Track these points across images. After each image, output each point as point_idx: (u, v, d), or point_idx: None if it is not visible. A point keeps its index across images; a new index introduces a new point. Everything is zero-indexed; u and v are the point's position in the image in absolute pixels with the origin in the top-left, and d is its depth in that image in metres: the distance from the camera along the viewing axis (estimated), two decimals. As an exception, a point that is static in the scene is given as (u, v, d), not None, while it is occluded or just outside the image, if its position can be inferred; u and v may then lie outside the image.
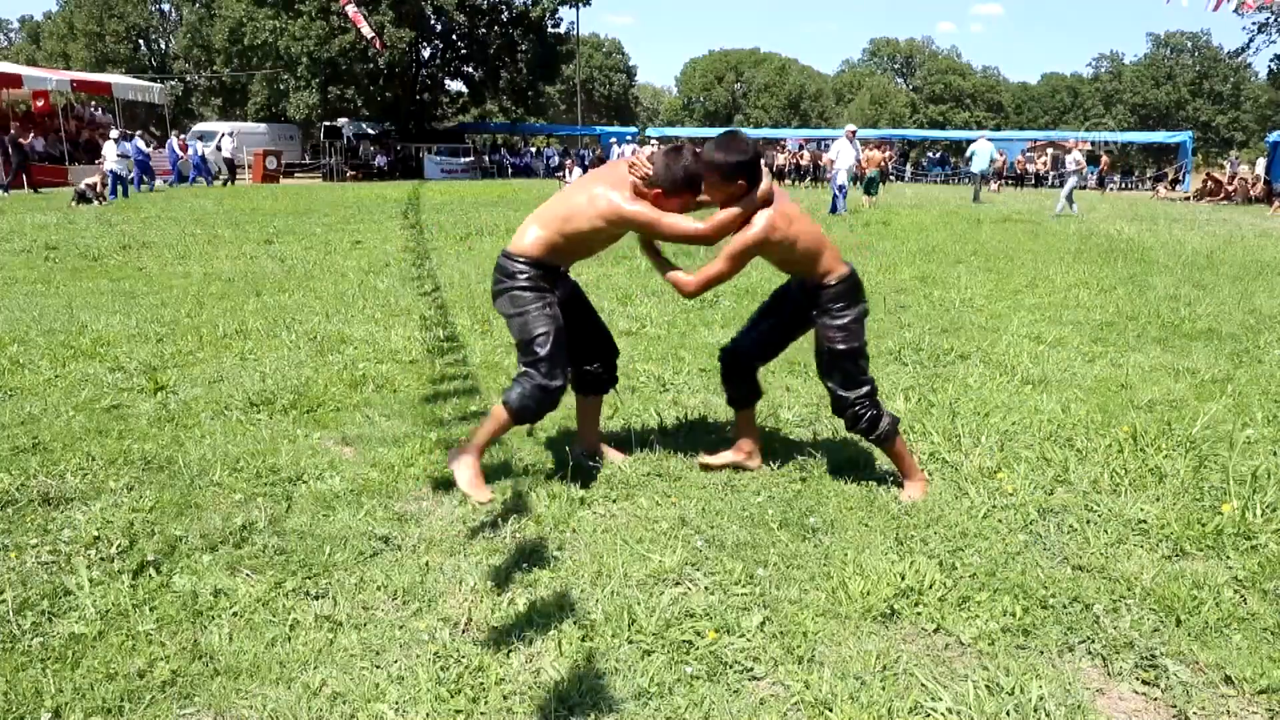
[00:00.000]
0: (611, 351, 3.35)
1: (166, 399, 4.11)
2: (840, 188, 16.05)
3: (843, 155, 16.15)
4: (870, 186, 17.99)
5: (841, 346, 2.95)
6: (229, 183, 25.66)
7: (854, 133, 16.65)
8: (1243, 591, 2.45)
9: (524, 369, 2.92)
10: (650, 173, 2.84)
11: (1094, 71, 70.28)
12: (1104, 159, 33.52)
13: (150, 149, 24.69)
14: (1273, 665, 2.09)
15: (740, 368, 3.23)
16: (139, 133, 25.88)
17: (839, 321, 2.94)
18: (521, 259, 2.93)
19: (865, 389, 3.01)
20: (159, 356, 4.86)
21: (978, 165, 20.52)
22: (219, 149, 26.75)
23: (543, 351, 2.87)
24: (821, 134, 41.41)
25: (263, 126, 34.46)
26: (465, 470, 2.91)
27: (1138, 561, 2.60)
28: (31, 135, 22.20)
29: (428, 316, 6.09)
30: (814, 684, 2.01)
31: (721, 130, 3.09)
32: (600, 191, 2.84)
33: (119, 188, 18.60)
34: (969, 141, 24.69)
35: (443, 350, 5.12)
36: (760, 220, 2.80)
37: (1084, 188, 21.68)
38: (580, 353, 3.24)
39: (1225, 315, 6.48)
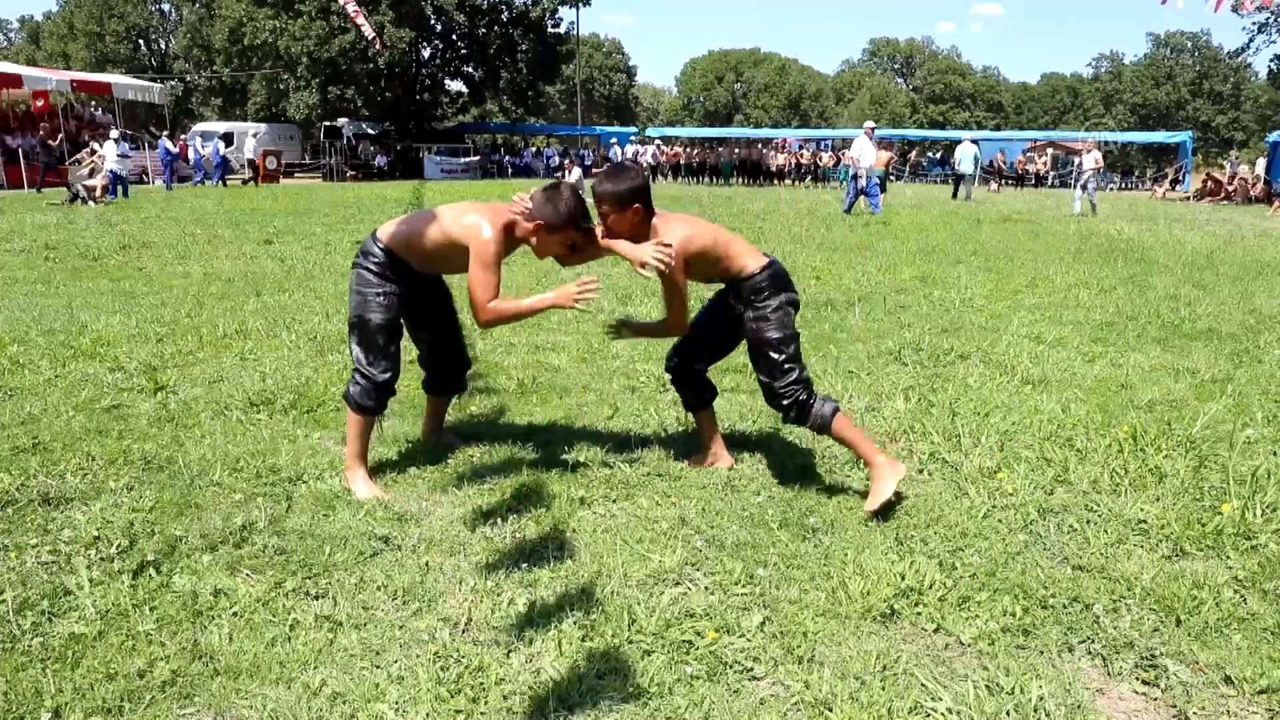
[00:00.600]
0: (463, 363, 3.43)
1: (166, 399, 4.11)
2: (870, 185, 15.58)
3: (866, 153, 15.70)
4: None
5: (765, 335, 2.96)
6: (253, 182, 25.86)
7: (873, 130, 16.30)
8: (1243, 591, 2.45)
9: (354, 364, 3.04)
10: (529, 209, 2.88)
11: (1094, 71, 70.34)
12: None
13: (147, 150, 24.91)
14: (1273, 665, 2.09)
15: (688, 373, 3.28)
16: (165, 133, 26.35)
17: (760, 311, 2.96)
18: (379, 245, 2.99)
19: (792, 377, 2.96)
20: (159, 356, 4.86)
21: (964, 167, 21.68)
22: (241, 148, 27.06)
23: (370, 340, 2.98)
24: (821, 134, 41.43)
25: (262, 126, 34.47)
26: (358, 483, 3.04)
27: (1138, 561, 2.60)
28: (60, 137, 22.43)
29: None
30: (814, 684, 2.01)
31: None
32: (474, 216, 2.87)
33: (118, 187, 18.69)
34: (955, 142, 25.61)
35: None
36: (676, 235, 2.88)
37: (1102, 188, 21.66)
38: (428, 358, 3.37)
39: (1225, 315, 6.48)
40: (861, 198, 15.94)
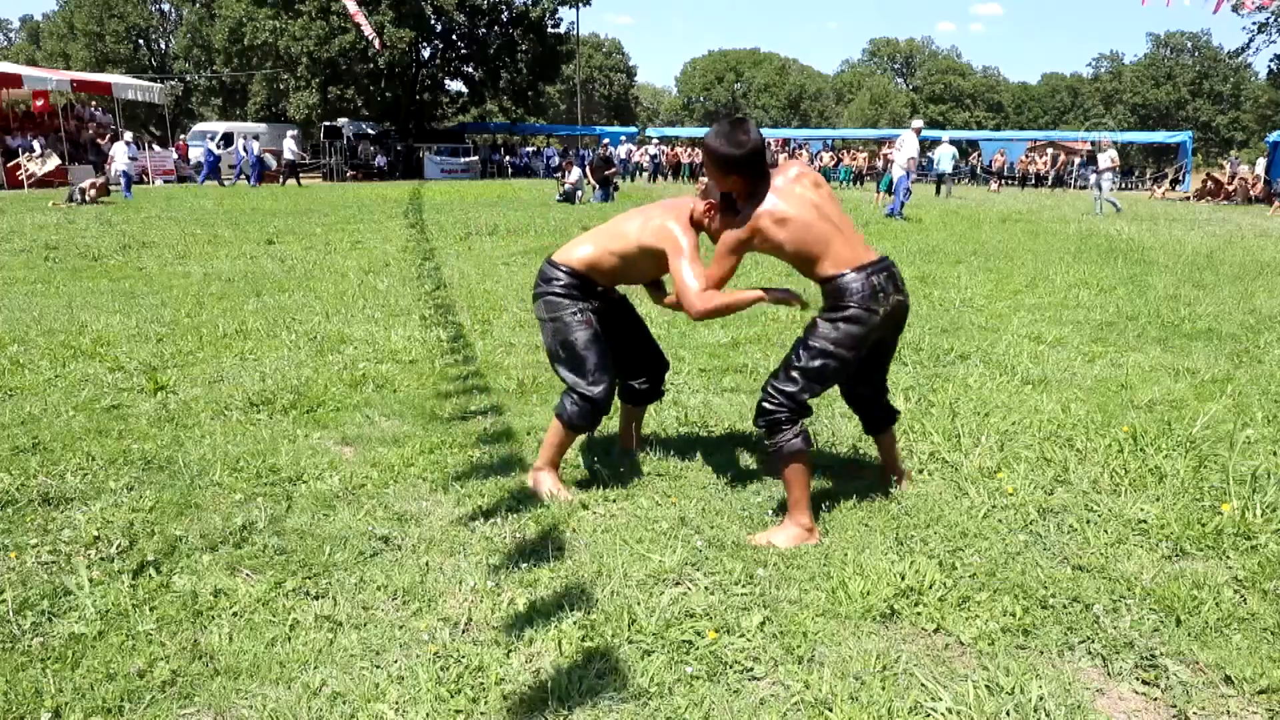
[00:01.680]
0: (661, 365, 3.34)
1: (166, 399, 4.11)
2: (901, 183, 14.98)
3: (906, 148, 14.99)
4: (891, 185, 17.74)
5: (805, 338, 2.71)
6: (294, 181, 26.07)
7: (920, 130, 15.58)
8: (1243, 591, 2.45)
9: (567, 382, 2.98)
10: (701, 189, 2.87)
11: (1094, 71, 70.37)
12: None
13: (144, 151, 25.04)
14: (1273, 665, 2.09)
15: (851, 398, 3.07)
16: (208, 134, 26.78)
17: (820, 318, 2.71)
18: (563, 268, 2.98)
19: (790, 389, 2.67)
20: (159, 356, 4.86)
21: (943, 166, 22.26)
22: (279, 149, 27.42)
23: (582, 360, 2.93)
24: (822, 133, 41.42)
25: (263, 126, 34.47)
26: (546, 485, 3.03)
27: (1138, 561, 2.60)
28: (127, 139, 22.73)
29: (428, 316, 6.09)
30: (814, 684, 2.01)
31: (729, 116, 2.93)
32: (658, 217, 2.88)
33: (128, 186, 18.78)
34: (935, 142, 26.38)
35: (443, 350, 5.12)
36: (746, 220, 2.68)
37: (1119, 187, 21.91)
38: (628, 366, 3.25)
39: (1225, 315, 6.48)
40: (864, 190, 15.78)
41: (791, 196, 2.68)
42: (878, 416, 3.06)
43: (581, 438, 3.63)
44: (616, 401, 3.30)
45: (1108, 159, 18.05)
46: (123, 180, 18.78)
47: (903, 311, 2.79)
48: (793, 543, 2.66)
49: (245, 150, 25.22)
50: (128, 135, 20.79)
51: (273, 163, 26.80)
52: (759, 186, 2.69)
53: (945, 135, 26.71)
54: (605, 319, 3.05)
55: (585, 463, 3.35)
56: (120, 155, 19.26)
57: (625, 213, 3.06)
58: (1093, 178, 18.78)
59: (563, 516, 2.87)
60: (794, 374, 2.68)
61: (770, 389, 2.71)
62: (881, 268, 2.70)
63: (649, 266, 2.97)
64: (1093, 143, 29.05)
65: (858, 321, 2.64)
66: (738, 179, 2.68)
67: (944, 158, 22.22)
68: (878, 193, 17.64)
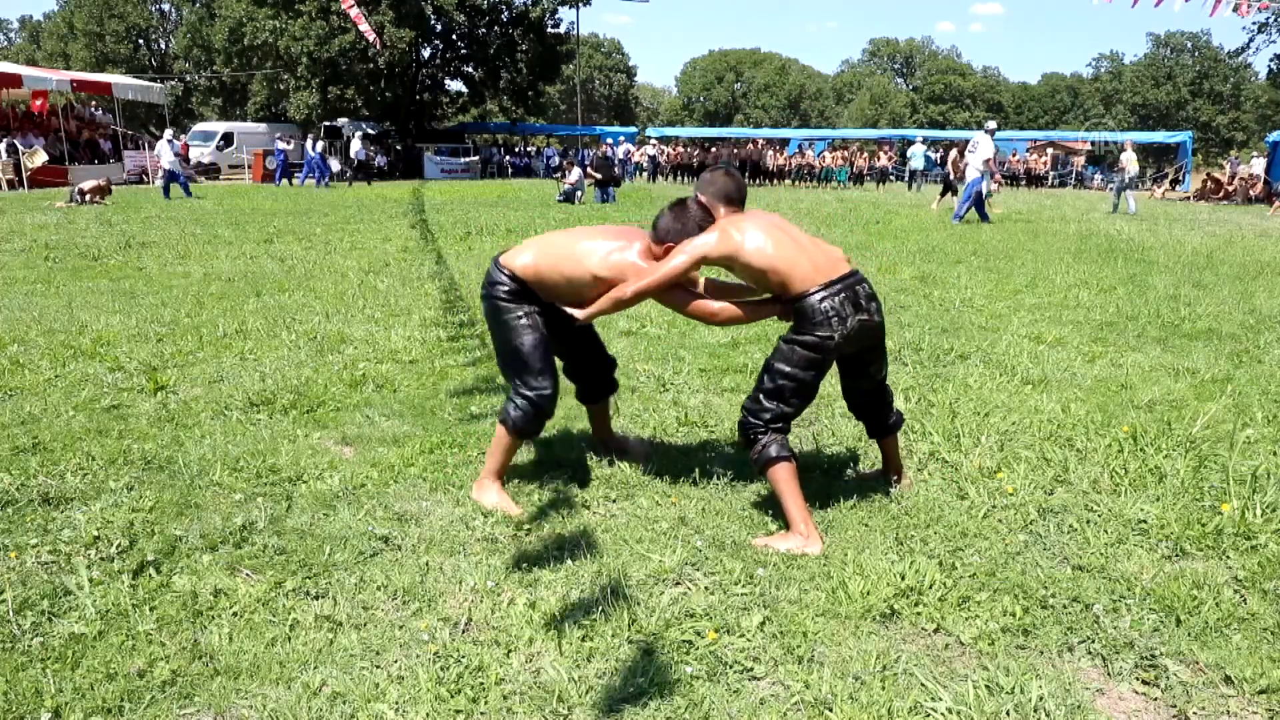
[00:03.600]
0: (608, 363, 3.37)
1: (166, 399, 4.11)
2: (971, 187, 14.33)
3: (981, 150, 14.35)
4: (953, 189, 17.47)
5: (769, 358, 2.81)
6: (367, 180, 26.19)
7: (994, 131, 15.02)
8: (1243, 591, 2.45)
9: (513, 384, 2.97)
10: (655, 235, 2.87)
11: (1094, 71, 70.35)
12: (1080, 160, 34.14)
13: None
14: (1273, 665, 2.09)
15: (853, 406, 3.13)
16: (313, 135, 27.32)
17: (783, 339, 2.80)
18: (506, 272, 2.95)
19: (757, 410, 2.76)
20: (159, 356, 4.86)
21: (916, 164, 24.99)
22: (346, 149, 27.61)
23: (525, 363, 2.92)
24: (822, 133, 41.41)
25: (262, 126, 34.44)
26: (490, 496, 2.97)
27: (1138, 561, 2.60)
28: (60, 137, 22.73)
29: (428, 316, 6.09)
30: (814, 684, 2.01)
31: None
32: (618, 252, 2.83)
33: (170, 186, 18.04)
34: (909, 140, 29.76)
35: (443, 350, 5.12)
36: (712, 231, 2.78)
37: (1134, 187, 22.29)
38: (577, 367, 3.30)
39: (1225, 315, 6.48)
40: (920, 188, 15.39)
41: (755, 218, 2.83)
42: (879, 421, 3.08)
43: (585, 435, 3.64)
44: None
45: (1126, 159, 18.17)
46: (164, 179, 17.89)
47: (869, 330, 2.79)
48: (797, 550, 2.65)
49: (313, 150, 25.50)
50: (169, 132, 19.58)
51: (333, 165, 26.75)
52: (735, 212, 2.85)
53: (919, 135, 29.47)
54: (551, 321, 3.02)
55: (585, 463, 3.34)
56: (165, 153, 18.37)
57: (575, 232, 3.01)
58: (1116, 179, 18.87)
59: (562, 516, 2.87)
60: (760, 395, 2.79)
61: (744, 407, 2.83)
62: (844, 287, 2.73)
63: (596, 296, 2.89)
64: (1113, 145, 29.52)
65: (813, 348, 2.72)
66: (734, 207, 2.86)
67: (916, 155, 25.16)
68: (985, 199, 17.36)
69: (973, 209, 14.46)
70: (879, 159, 32.13)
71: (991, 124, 15.52)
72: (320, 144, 25.92)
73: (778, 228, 2.80)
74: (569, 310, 2.95)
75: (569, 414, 3.95)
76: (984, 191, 14.42)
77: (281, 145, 24.95)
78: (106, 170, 21.80)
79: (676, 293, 2.86)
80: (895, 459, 3.16)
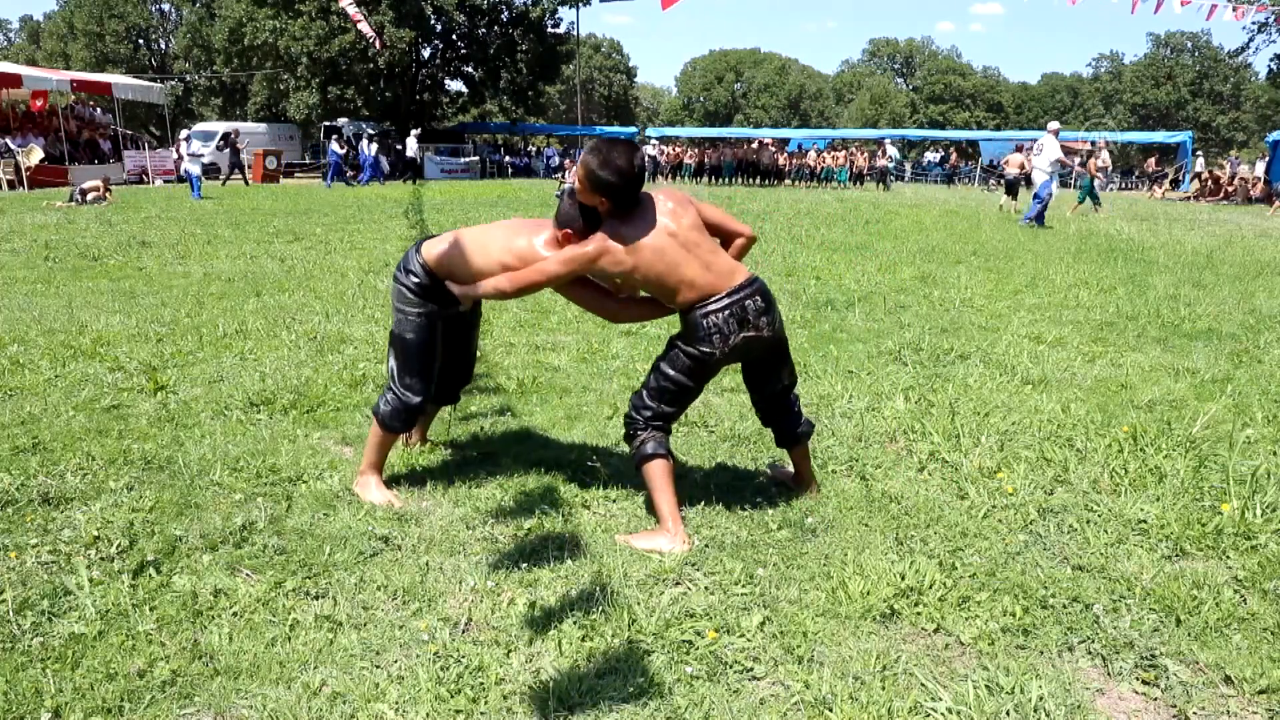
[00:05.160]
0: (467, 378, 3.37)
1: (166, 399, 4.11)
2: (1044, 188, 13.99)
3: (1047, 152, 14.18)
4: (1091, 195, 17.54)
5: (657, 359, 2.83)
6: (413, 180, 26.45)
7: (1058, 131, 14.68)
8: (1243, 591, 2.45)
9: (389, 380, 2.98)
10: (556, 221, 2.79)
11: (1094, 71, 70.33)
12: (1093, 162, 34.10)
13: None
14: (1273, 665, 2.09)
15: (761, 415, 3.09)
16: (367, 134, 27.74)
17: (671, 341, 2.81)
18: (421, 264, 2.88)
19: (639, 406, 2.80)
20: (159, 356, 4.86)
21: (888, 163, 28.78)
22: (402, 149, 28.17)
23: (405, 360, 2.92)
24: (822, 133, 41.41)
25: (262, 126, 34.45)
26: (371, 492, 2.99)
27: (1138, 561, 2.60)
28: (246, 141, 23.16)
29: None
30: (814, 684, 2.01)
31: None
32: (523, 236, 2.79)
33: (199, 184, 18.00)
34: (954, 143, 32.56)
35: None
36: (593, 240, 2.65)
37: (1119, 187, 22.80)
38: (446, 372, 3.15)
39: (1225, 315, 6.48)
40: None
41: (646, 224, 2.66)
42: (786, 430, 2.99)
43: (585, 435, 3.64)
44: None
45: (1102, 161, 18.24)
46: (192, 181, 17.77)
47: (759, 343, 2.74)
48: (664, 547, 2.62)
49: (369, 150, 25.85)
50: (184, 131, 19.47)
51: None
52: (624, 213, 2.67)
53: (887, 136, 34.32)
54: (448, 326, 2.99)
55: (586, 463, 3.35)
56: (186, 154, 18.22)
57: (492, 224, 2.95)
58: (1093, 179, 18.85)
59: (562, 516, 2.87)
60: (644, 392, 2.82)
61: (630, 401, 2.85)
62: (732, 302, 2.67)
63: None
64: (1092, 143, 29.66)
65: (695, 359, 2.73)
66: (604, 201, 2.64)
67: (892, 155, 29.40)
68: (1079, 203, 17.34)
69: (1040, 208, 14.00)
70: (879, 159, 32.21)
71: (1054, 124, 15.13)
72: (374, 144, 26.23)
73: (669, 234, 2.66)
74: (450, 285, 2.85)
75: (569, 414, 3.95)
76: (1042, 195, 14.01)
77: (335, 147, 25.25)
78: (106, 170, 21.77)
79: (578, 288, 2.81)
80: (805, 470, 3.09)
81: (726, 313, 2.68)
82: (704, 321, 2.68)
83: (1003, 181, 19.03)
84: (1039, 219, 13.89)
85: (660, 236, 2.65)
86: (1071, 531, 2.82)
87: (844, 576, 2.47)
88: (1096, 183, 17.99)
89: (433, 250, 2.88)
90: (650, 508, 2.83)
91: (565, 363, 4.92)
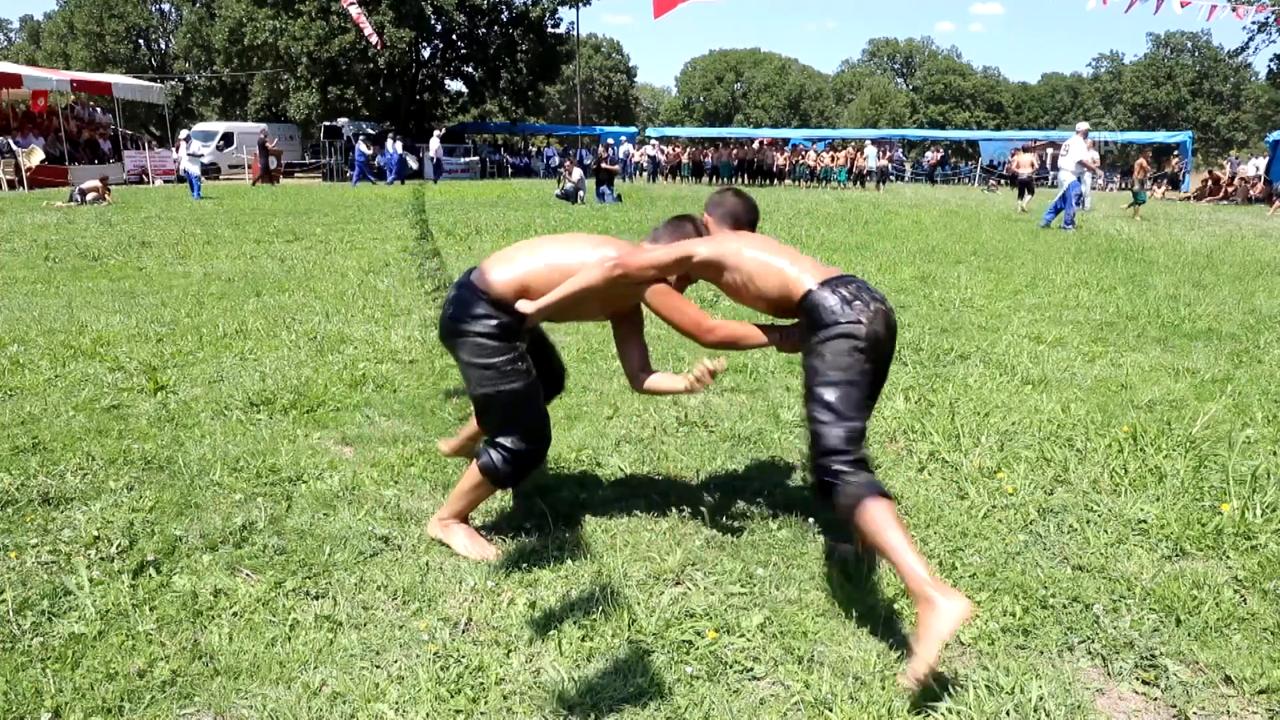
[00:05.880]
0: (560, 386, 3.06)
1: (166, 399, 4.11)
2: (1072, 188, 13.72)
3: (1073, 153, 13.97)
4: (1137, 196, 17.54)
5: (809, 387, 2.35)
6: (434, 180, 26.95)
7: (1086, 132, 14.36)
8: (1243, 591, 2.45)
9: (498, 438, 2.54)
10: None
11: (1094, 71, 70.35)
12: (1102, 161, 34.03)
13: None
14: (1273, 665, 2.09)
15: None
16: (392, 134, 28.01)
17: (809, 349, 2.39)
18: (492, 299, 2.46)
19: (845, 457, 2.23)
20: (159, 356, 4.86)
21: (869, 164, 29.33)
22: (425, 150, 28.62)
23: (514, 417, 2.51)
24: (821, 133, 41.41)
25: (263, 126, 34.45)
26: (460, 538, 2.65)
27: (1138, 561, 2.60)
28: (275, 140, 23.18)
29: (428, 316, 6.09)
30: (814, 684, 2.01)
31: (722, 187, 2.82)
32: (609, 250, 2.50)
33: (198, 184, 17.96)
34: (955, 143, 32.47)
35: (443, 350, 5.11)
36: (689, 243, 2.51)
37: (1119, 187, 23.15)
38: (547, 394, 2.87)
39: (1225, 315, 6.48)
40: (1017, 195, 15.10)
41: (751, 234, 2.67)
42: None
43: (585, 435, 3.64)
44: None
45: (1095, 158, 18.16)
46: (191, 181, 17.73)
47: (888, 330, 2.36)
48: (953, 621, 1.90)
49: (393, 149, 26.03)
50: (184, 132, 19.21)
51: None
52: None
53: (868, 138, 35.38)
54: (533, 353, 2.62)
55: (586, 462, 3.35)
56: (184, 153, 18.12)
57: (545, 241, 2.63)
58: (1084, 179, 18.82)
59: (563, 517, 2.87)
60: (819, 429, 2.25)
61: (810, 456, 2.32)
62: (846, 279, 2.40)
63: (593, 308, 2.59)
64: (1113, 144, 30.14)
65: (845, 335, 2.27)
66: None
67: (870, 155, 29.87)
68: (1134, 205, 17.31)
69: (1069, 210, 13.82)
70: (860, 160, 32.21)
71: (1083, 125, 14.85)
72: (400, 144, 26.46)
73: (761, 239, 2.60)
74: (522, 305, 2.47)
75: (569, 414, 3.95)
76: (1071, 198, 13.79)
77: (362, 148, 25.46)
78: (106, 170, 21.78)
79: (672, 296, 2.54)
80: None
81: (854, 285, 2.35)
82: (831, 295, 2.31)
83: (1004, 182, 19.00)
84: (1070, 221, 13.69)
85: (764, 238, 2.62)
86: (1071, 531, 2.82)
87: (844, 576, 2.47)
88: (1087, 181, 17.90)
89: (496, 277, 2.48)
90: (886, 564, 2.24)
91: (565, 363, 4.91)
